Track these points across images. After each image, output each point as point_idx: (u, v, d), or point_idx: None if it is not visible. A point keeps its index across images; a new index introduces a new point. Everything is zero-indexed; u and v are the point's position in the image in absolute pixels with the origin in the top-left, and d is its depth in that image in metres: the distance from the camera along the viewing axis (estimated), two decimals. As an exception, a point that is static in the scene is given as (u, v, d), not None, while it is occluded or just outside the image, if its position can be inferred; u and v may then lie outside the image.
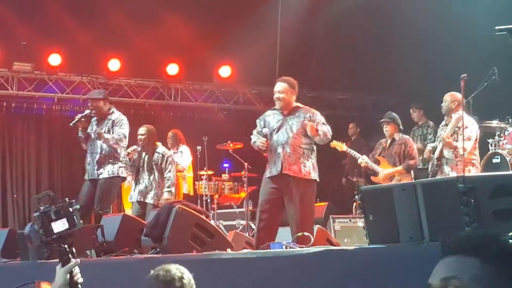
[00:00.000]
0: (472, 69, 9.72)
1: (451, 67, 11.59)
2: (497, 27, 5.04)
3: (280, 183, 8.30)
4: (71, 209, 3.54)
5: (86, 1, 14.90)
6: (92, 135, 10.81)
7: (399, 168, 10.74)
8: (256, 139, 8.50)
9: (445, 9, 13.56)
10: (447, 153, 9.76)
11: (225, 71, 16.52)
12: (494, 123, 10.75)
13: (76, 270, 3.59)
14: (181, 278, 3.74)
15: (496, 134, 10.74)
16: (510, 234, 4.54)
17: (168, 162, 11.26)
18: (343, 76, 15.81)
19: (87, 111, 11.01)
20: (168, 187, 11.14)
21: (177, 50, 15.77)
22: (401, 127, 11.07)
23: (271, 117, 8.59)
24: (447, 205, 4.84)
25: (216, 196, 13.52)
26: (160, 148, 11.42)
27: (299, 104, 8.61)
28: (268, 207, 8.31)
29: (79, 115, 10.92)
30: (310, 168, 8.33)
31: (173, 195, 11.14)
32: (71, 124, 10.96)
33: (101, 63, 15.80)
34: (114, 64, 15.76)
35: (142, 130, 11.40)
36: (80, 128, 10.88)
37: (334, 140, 11.66)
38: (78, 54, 15.22)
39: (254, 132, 8.67)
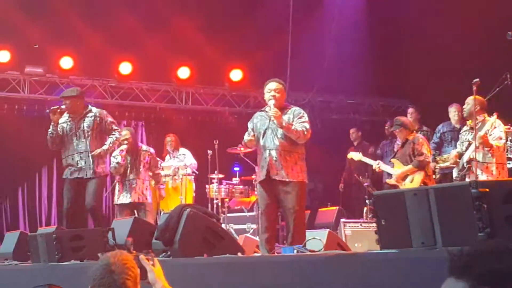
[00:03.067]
0: (484, 73, 9.69)
1: (462, 71, 11.57)
2: (509, 32, 5.01)
3: (270, 187, 8.33)
4: None
5: (98, 4, 14.92)
6: (68, 135, 10.63)
7: (409, 166, 10.64)
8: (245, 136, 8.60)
9: (455, 12, 13.55)
10: (478, 155, 9.62)
11: (236, 74, 16.52)
12: (507, 128, 10.70)
13: None
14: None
15: (509, 139, 10.70)
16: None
17: (156, 161, 11.51)
18: (354, 80, 15.79)
19: (63, 106, 10.67)
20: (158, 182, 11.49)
21: (189, 53, 15.79)
22: (413, 128, 10.98)
23: (258, 119, 8.59)
24: (459, 210, 4.82)
25: (227, 199, 13.49)
26: (144, 147, 11.61)
27: (287, 104, 8.63)
28: (266, 211, 8.34)
29: (56, 106, 10.70)
30: (299, 171, 8.31)
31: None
32: (47, 110, 10.90)
33: (112, 66, 15.83)
34: (125, 67, 15.78)
35: (126, 133, 11.53)
36: (52, 123, 10.63)
37: (351, 152, 11.83)
38: (90, 57, 15.26)
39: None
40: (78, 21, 14.53)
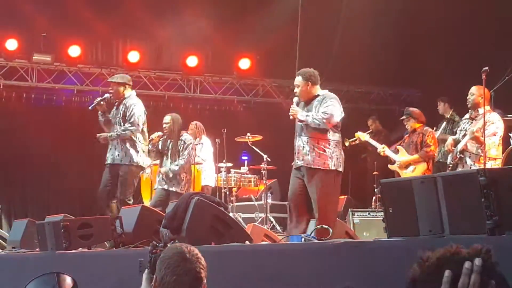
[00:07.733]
0: (494, 62, 9.62)
1: (472, 59, 11.52)
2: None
3: (301, 173, 8.33)
4: None
5: (106, -8, 14.93)
6: (112, 120, 10.83)
7: (415, 156, 10.69)
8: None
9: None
10: (470, 147, 9.61)
11: (244, 63, 16.47)
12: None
13: None
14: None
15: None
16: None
17: (186, 148, 11.21)
18: (363, 69, 15.72)
19: (106, 95, 11.00)
20: (177, 163, 11.10)
21: (197, 42, 15.75)
22: (420, 120, 10.94)
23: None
24: (467, 198, 4.79)
25: (235, 188, 13.47)
26: (184, 135, 11.38)
27: (319, 93, 8.52)
28: (294, 197, 8.35)
29: (98, 99, 10.93)
30: (325, 159, 8.26)
31: (179, 171, 11.09)
32: (90, 107, 10.94)
33: (120, 54, 15.82)
34: (133, 56, 15.74)
35: (166, 118, 11.29)
36: (100, 112, 10.85)
37: (359, 131, 11.78)
38: (98, 45, 15.26)
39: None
40: (86, 9, 14.51)
